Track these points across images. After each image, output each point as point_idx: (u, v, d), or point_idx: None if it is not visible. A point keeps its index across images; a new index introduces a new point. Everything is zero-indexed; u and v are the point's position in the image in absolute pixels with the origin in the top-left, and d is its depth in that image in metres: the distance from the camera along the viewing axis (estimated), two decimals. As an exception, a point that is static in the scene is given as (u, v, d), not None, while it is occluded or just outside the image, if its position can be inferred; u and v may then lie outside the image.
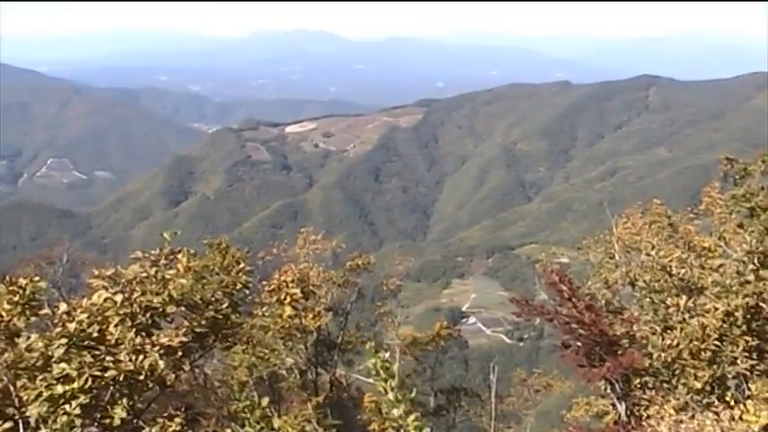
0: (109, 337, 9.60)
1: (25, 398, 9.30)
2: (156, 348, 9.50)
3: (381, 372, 5.91)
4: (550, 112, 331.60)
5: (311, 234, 26.26)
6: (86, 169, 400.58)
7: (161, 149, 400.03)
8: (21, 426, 9.35)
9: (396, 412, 5.91)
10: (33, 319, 11.20)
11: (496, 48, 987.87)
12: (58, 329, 9.41)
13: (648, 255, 19.38)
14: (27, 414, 9.11)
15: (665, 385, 15.17)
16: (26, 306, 11.30)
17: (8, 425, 10.00)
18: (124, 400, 9.27)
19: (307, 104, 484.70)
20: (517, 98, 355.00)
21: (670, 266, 17.42)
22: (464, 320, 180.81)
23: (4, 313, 10.76)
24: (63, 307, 9.80)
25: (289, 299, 18.86)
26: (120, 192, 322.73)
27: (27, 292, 11.32)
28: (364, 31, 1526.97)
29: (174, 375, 10.04)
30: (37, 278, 11.68)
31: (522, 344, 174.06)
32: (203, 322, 10.91)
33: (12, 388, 9.29)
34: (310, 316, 22.37)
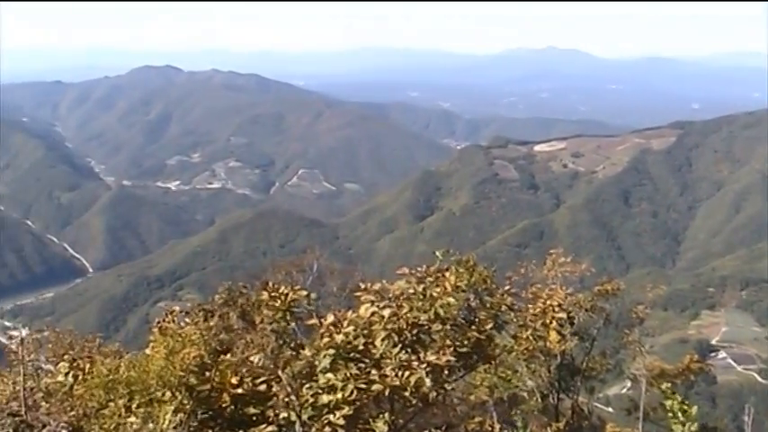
0: (374, 351, 9.81)
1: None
2: (423, 366, 9.63)
3: (679, 414, 5.69)
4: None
5: (560, 256, 25.92)
6: (336, 181, 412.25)
7: (409, 164, 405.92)
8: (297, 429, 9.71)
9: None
10: (292, 325, 11.68)
11: (762, 69, 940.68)
12: (326, 340, 9.69)
13: None
14: (292, 420, 9.50)
15: None
16: (286, 313, 11.76)
17: (271, 428, 10.45)
18: (386, 415, 9.45)
19: (556, 123, 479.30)
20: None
21: None
22: (713, 354, 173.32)
23: (265, 318, 11.28)
24: (330, 318, 10.11)
25: (554, 323, 18.64)
26: (367, 204, 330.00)
27: (288, 300, 11.78)
28: (618, 51, 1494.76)
29: (435, 393, 10.12)
30: (298, 287, 12.15)
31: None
32: (466, 342, 10.98)
33: (294, 397, 9.68)
34: (549, 338, 22.09)
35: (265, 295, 12.11)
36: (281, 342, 11.57)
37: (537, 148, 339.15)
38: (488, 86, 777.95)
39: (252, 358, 11.91)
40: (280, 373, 10.54)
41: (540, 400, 24.44)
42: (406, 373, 9.41)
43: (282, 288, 12.07)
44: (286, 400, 10.37)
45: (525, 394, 24.57)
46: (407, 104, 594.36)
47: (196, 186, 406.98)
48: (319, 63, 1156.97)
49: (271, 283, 12.57)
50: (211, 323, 14.23)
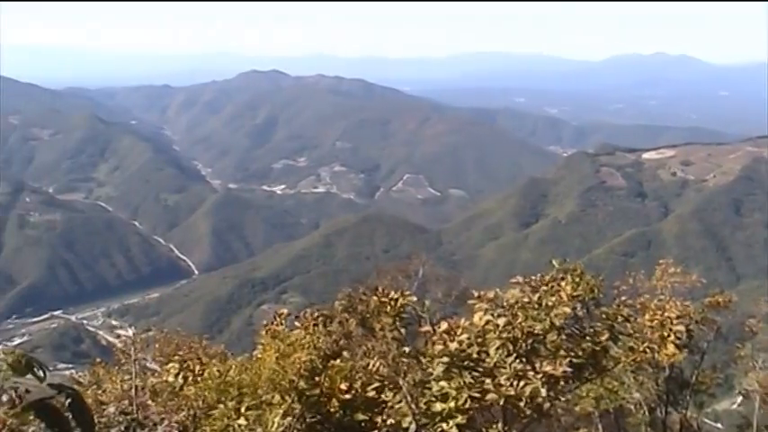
0: (488, 360, 9.72)
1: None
2: (539, 376, 9.49)
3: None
4: None
5: (670, 266, 25.36)
6: (441, 186, 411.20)
7: (515, 170, 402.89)
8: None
9: None
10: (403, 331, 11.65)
11: None
12: (439, 347, 9.62)
13: None
14: (404, 427, 9.47)
15: None
16: (395, 318, 11.74)
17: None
18: (499, 425, 9.36)
19: (665, 131, 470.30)
20: None
21: None
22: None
23: (386, 326, 11.27)
24: (444, 325, 10.05)
25: (672, 336, 18.19)
26: (472, 210, 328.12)
27: (398, 305, 11.76)
28: (729, 56, 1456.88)
29: (549, 404, 9.96)
30: (408, 293, 12.12)
31: None
32: (580, 353, 10.79)
33: (413, 406, 9.65)
34: (665, 351, 21.59)
35: (375, 300, 12.14)
36: (402, 350, 11.55)
37: (645, 155, 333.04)
38: (595, 93, 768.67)
39: (370, 365, 11.94)
40: (400, 380, 10.53)
41: (647, 413, 24.06)
42: (522, 382, 9.28)
43: (392, 293, 12.07)
44: (398, 406, 10.35)
45: (632, 407, 24.21)
46: (513, 110, 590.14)
47: (301, 190, 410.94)
48: (423, 68, 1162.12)
49: (381, 289, 12.59)
50: (330, 328, 14.29)
